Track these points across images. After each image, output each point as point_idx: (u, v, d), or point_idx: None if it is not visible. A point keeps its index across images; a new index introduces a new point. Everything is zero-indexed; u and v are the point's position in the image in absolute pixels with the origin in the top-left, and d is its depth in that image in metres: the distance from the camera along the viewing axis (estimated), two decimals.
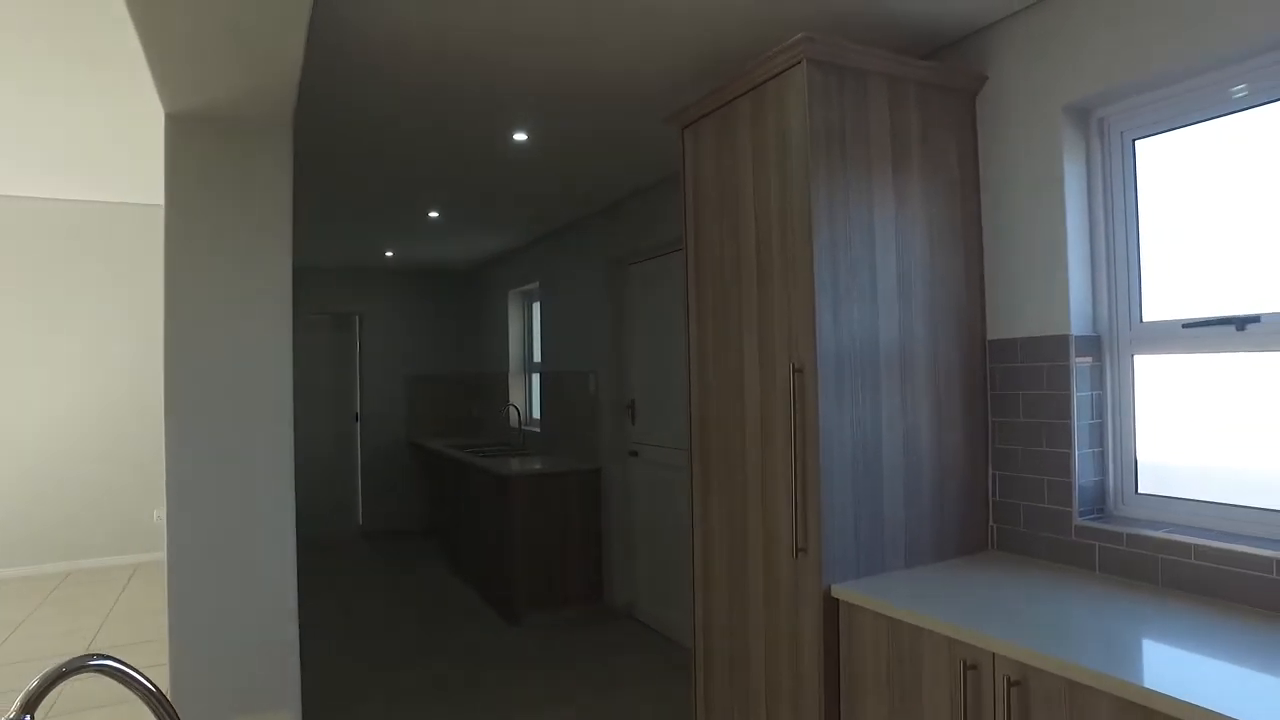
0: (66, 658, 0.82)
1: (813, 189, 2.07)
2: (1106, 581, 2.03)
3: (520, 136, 3.31)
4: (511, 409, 6.49)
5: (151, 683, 0.86)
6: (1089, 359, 2.23)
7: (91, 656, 0.82)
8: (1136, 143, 2.18)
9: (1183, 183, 2.10)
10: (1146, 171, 2.17)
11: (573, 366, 5.37)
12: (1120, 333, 2.22)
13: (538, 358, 6.42)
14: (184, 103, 2.50)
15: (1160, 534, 1.99)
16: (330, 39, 2.35)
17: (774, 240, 2.22)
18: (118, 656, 0.86)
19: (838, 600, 2.06)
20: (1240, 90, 1.94)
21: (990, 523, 2.41)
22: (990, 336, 2.42)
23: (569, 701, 3.54)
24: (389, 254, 6.44)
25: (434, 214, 4.89)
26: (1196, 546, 1.90)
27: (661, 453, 4.44)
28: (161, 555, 5.98)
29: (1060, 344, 2.22)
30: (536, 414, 6.34)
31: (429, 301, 7.70)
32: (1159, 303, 2.16)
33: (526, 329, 6.70)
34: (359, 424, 7.44)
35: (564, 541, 4.84)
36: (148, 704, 0.87)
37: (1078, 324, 2.21)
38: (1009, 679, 1.61)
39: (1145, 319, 2.18)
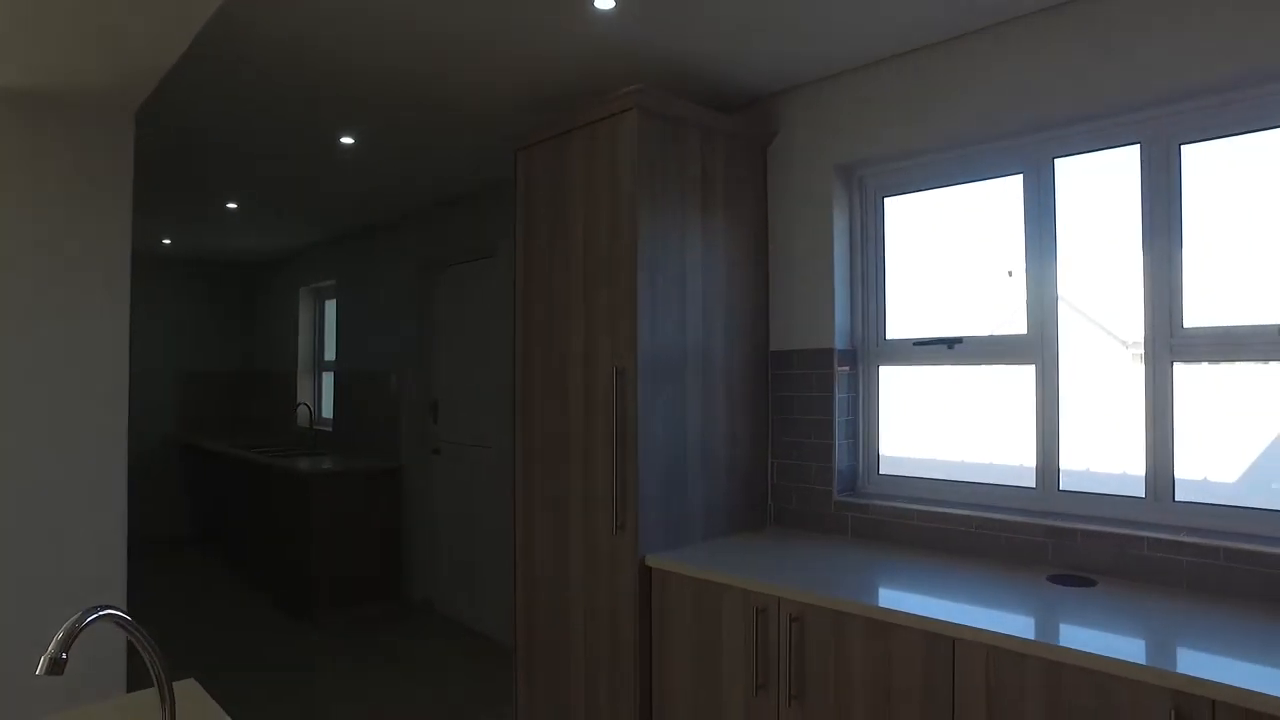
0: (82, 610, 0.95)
1: (639, 218, 2.43)
2: (858, 543, 2.57)
3: (348, 140, 3.39)
4: (302, 408, 6.31)
5: (148, 637, 1.00)
6: (847, 368, 2.78)
7: (103, 607, 0.96)
8: (885, 200, 2.77)
9: (917, 234, 2.71)
10: (893, 223, 2.77)
11: (373, 366, 5.38)
12: (870, 347, 2.79)
13: (330, 356, 6.30)
14: (17, 79, 2.33)
15: (893, 504, 2.56)
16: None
17: (601, 259, 2.55)
18: (122, 608, 1.00)
19: (651, 568, 2.42)
20: (955, 168, 2.56)
21: (770, 502, 2.90)
22: (772, 348, 2.92)
23: (361, 699, 3.60)
24: (166, 241, 6.02)
25: (232, 205, 4.72)
26: (918, 512, 2.49)
27: (465, 450, 4.62)
28: None
29: (826, 355, 2.76)
30: (329, 413, 6.21)
31: (206, 294, 7.22)
32: (898, 325, 2.75)
33: (317, 326, 6.54)
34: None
35: (363, 540, 4.85)
36: (143, 652, 1.01)
37: (839, 339, 2.76)
38: (791, 616, 2.05)
39: (888, 337, 2.76)
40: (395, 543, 5.00)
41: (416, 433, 4.98)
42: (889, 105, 2.60)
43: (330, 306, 6.27)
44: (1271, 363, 2.06)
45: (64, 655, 0.89)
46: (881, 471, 2.78)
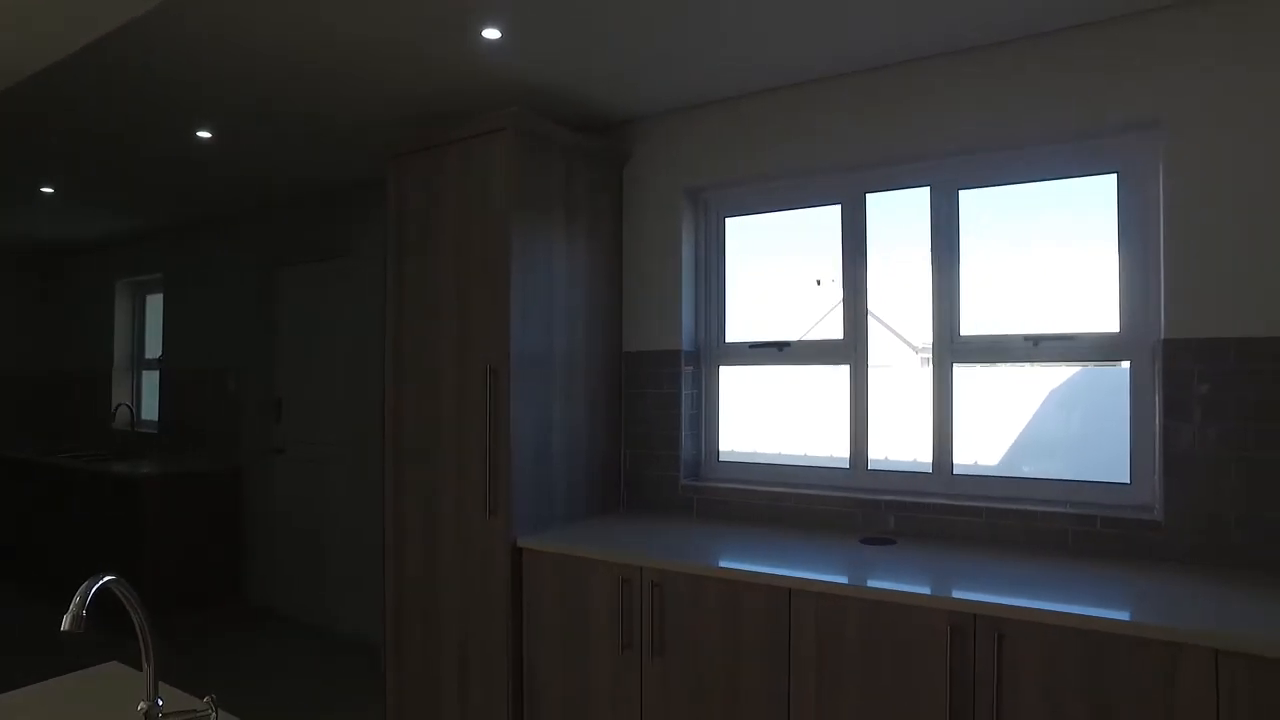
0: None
1: (512, 230, 2.66)
2: (702, 520, 2.92)
3: (205, 134, 3.34)
4: (123, 409, 5.91)
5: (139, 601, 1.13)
6: (691, 368, 3.14)
7: (105, 575, 1.09)
8: (727, 219, 3.15)
9: (752, 249, 3.12)
10: (733, 239, 3.16)
11: (207, 364, 5.18)
12: (711, 349, 3.16)
13: (151, 354, 5.96)
14: None
15: (731, 486, 2.94)
16: None
17: (474, 266, 2.75)
18: (123, 580, 1.11)
19: (522, 549, 2.65)
20: (786, 197, 2.99)
21: (622, 488, 3.21)
22: (625, 349, 3.22)
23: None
24: None
25: (48, 189, 4.41)
26: (752, 492, 2.88)
27: (311, 449, 4.59)
28: None
29: (674, 356, 3.10)
30: (152, 415, 5.87)
31: None
32: (736, 329, 3.14)
33: (137, 323, 6.14)
34: None
35: (200, 544, 4.68)
36: (132, 613, 1.13)
37: (686, 342, 3.11)
38: (653, 582, 2.35)
39: (727, 340, 3.15)
40: (235, 547, 4.86)
41: (258, 432, 4.86)
42: (732, 139, 2.98)
43: (154, 302, 5.92)
44: (1023, 365, 2.62)
45: (84, 613, 1.01)
46: (721, 459, 3.16)
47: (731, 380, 3.17)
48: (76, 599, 1.03)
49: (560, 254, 2.89)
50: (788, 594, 2.14)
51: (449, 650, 2.78)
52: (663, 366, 3.13)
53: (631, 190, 3.23)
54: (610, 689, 2.44)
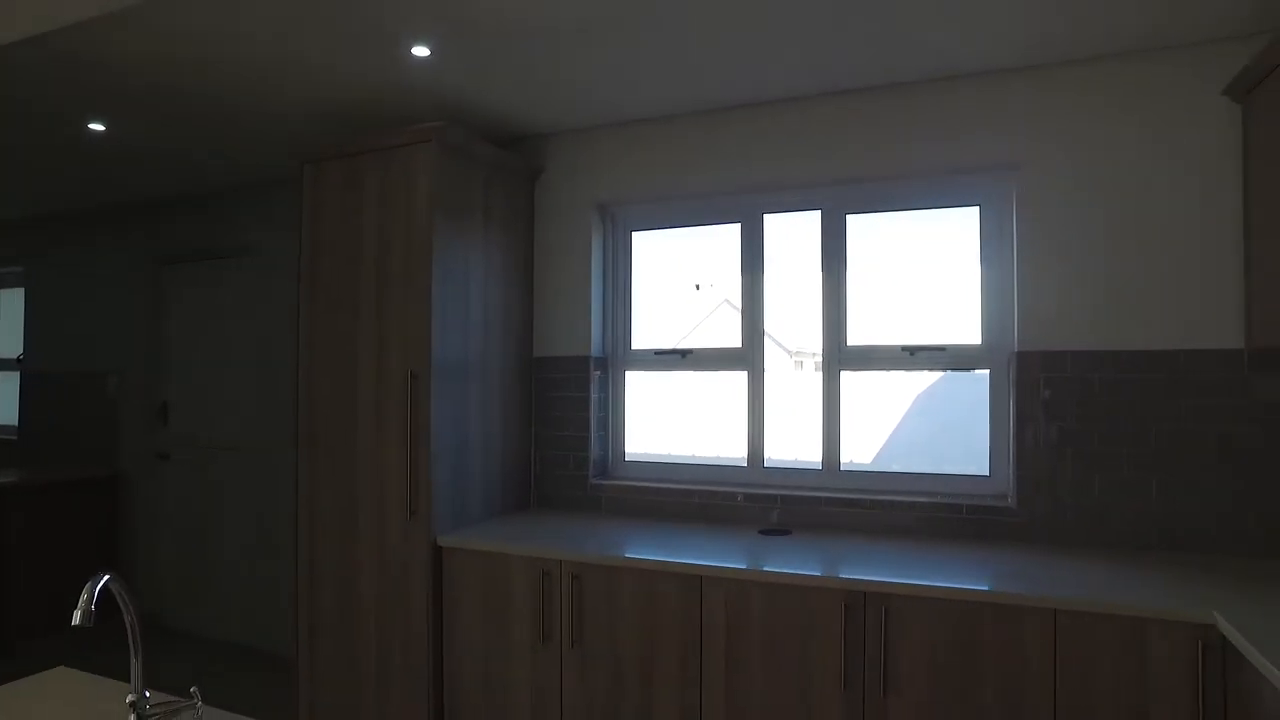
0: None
1: (435, 240, 2.75)
2: (611, 516, 3.10)
3: (97, 126, 3.22)
4: None
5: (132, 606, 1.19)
6: (599, 372, 3.31)
7: (105, 574, 1.15)
8: (634, 234, 3.34)
9: (657, 263, 3.33)
10: (640, 253, 3.35)
11: (82, 366, 4.91)
12: (618, 356, 3.35)
13: (6, 352, 5.56)
14: None
15: (637, 484, 3.14)
16: None
17: (395, 274, 2.82)
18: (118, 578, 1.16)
19: (442, 547, 2.74)
20: (690, 215, 3.21)
21: (534, 488, 3.34)
22: (536, 354, 3.36)
23: None
24: None
25: None
26: (657, 489, 3.09)
27: (201, 453, 4.45)
28: None
29: (583, 362, 3.26)
30: (11, 419, 5.47)
31: None
32: (642, 338, 3.34)
33: None
34: None
35: (72, 557, 4.44)
36: (125, 613, 1.18)
37: (595, 348, 3.28)
38: (572, 575, 2.51)
39: (633, 348, 3.34)
40: (112, 556, 4.63)
41: (140, 437, 4.66)
42: (639, 159, 3.18)
43: (12, 297, 5.52)
44: (898, 371, 2.94)
45: (93, 609, 1.08)
46: (627, 459, 3.34)
47: (637, 384, 3.36)
48: (84, 596, 1.09)
49: (477, 263, 3.00)
50: (699, 580, 2.34)
51: (366, 651, 2.83)
52: (572, 371, 3.28)
53: (544, 203, 3.37)
54: (530, 679, 2.58)
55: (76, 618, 1.07)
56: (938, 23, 2.29)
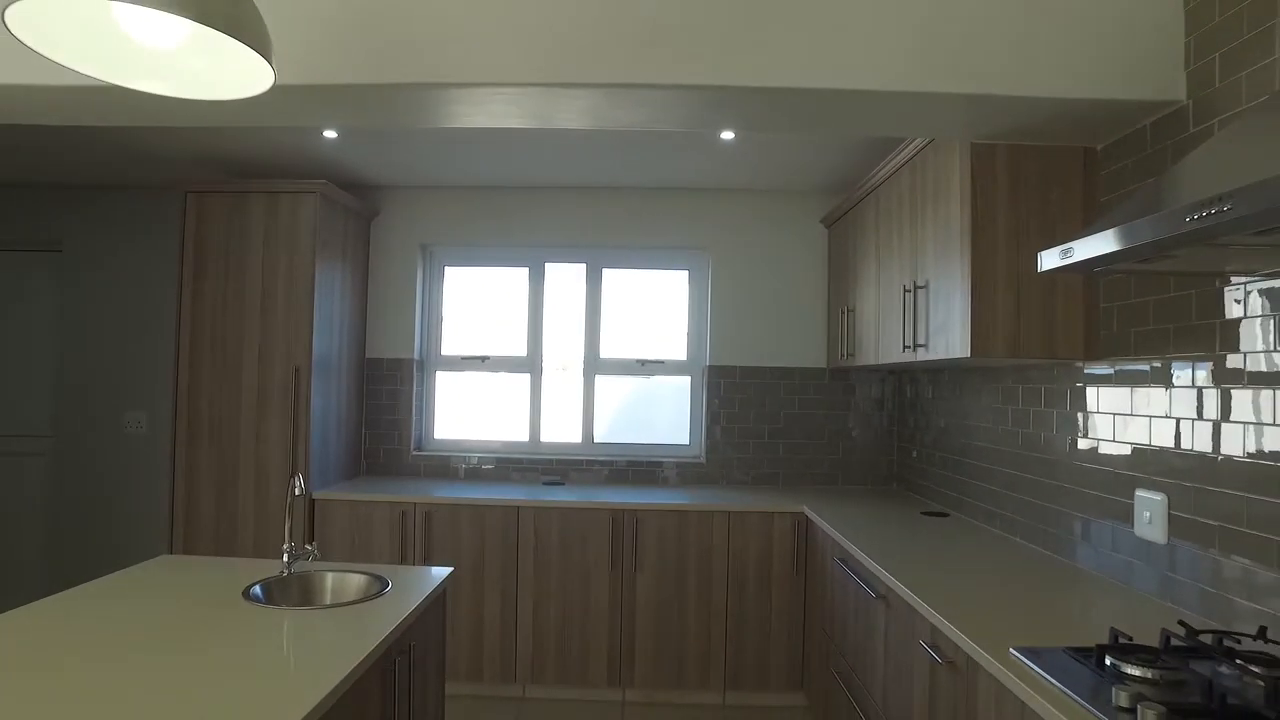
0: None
1: (317, 266, 3.66)
2: (429, 478, 4.19)
3: None
4: None
5: None
6: (419, 371, 4.37)
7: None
8: (447, 267, 4.46)
9: (465, 290, 4.48)
10: (451, 282, 4.47)
11: None
12: (432, 359, 4.44)
13: None
14: None
15: (447, 454, 4.28)
16: None
17: (281, 288, 3.67)
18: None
19: (316, 500, 3.66)
20: (491, 257, 4.42)
21: (363, 458, 4.31)
22: (369, 355, 4.33)
23: None
24: None
25: None
26: (458, 457, 4.26)
27: (5, 441, 4.63)
28: None
29: (407, 363, 4.31)
30: None
31: None
32: (452, 344, 4.46)
33: None
34: None
35: None
36: None
37: (416, 352, 4.34)
38: (426, 513, 3.61)
39: (443, 353, 4.45)
40: None
41: None
42: (454, 213, 4.31)
43: None
44: (632, 376, 4.42)
45: None
46: (438, 437, 4.45)
47: (447, 382, 4.47)
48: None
49: (338, 283, 3.93)
50: (516, 510, 3.59)
51: None
52: (398, 369, 4.31)
53: (378, 239, 4.35)
54: None
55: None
56: (666, 155, 3.79)
